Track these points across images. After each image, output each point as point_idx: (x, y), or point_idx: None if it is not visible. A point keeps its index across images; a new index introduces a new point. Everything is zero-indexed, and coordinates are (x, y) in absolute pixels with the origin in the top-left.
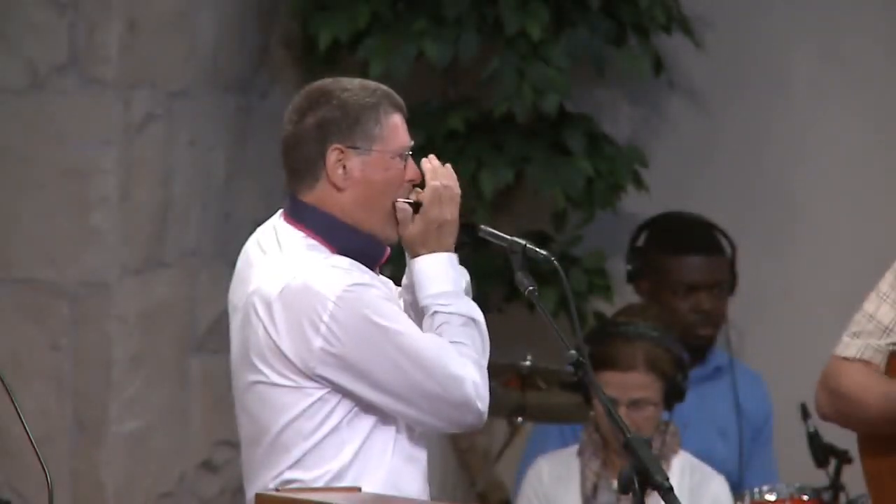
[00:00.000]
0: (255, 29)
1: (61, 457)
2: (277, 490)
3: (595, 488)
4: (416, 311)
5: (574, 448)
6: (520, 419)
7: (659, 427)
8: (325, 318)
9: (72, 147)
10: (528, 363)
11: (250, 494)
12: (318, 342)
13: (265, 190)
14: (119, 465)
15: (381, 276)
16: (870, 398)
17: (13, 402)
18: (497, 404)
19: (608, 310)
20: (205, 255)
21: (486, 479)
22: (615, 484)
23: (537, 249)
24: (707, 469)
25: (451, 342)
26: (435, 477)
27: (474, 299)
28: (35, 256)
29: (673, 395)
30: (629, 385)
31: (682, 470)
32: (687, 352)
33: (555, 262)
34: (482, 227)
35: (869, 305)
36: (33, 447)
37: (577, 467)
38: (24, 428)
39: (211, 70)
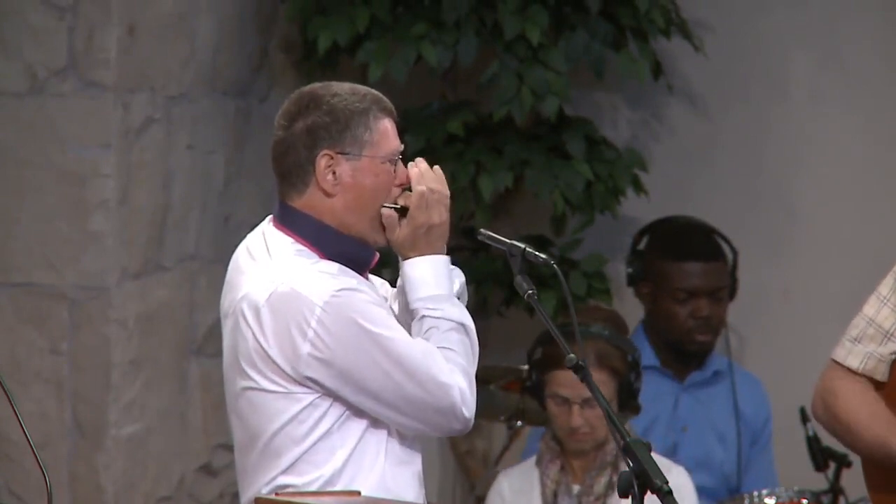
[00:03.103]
0: (254, 32)
1: (60, 460)
2: (276, 494)
3: (555, 494)
4: (411, 314)
5: (532, 460)
6: (519, 423)
7: None
8: (313, 323)
9: (71, 151)
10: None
11: (244, 500)
12: (305, 347)
13: (264, 193)
14: (118, 469)
15: (374, 278)
16: (863, 433)
17: (13, 405)
18: (496, 408)
19: None
20: (204, 258)
21: (486, 482)
22: (575, 489)
23: (537, 253)
24: (665, 461)
25: (438, 347)
26: (434, 480)
27: (474, 303)
28: (34, 260)
29: (626, 395)
30: (581, 383)
31: None
32: (686, 357)
33: (554, 265)
34: (482, 230)
35: (869, 308)
36: (33, 451)
37: (536, 477)
38: (24, 432)
39: (210, 74)
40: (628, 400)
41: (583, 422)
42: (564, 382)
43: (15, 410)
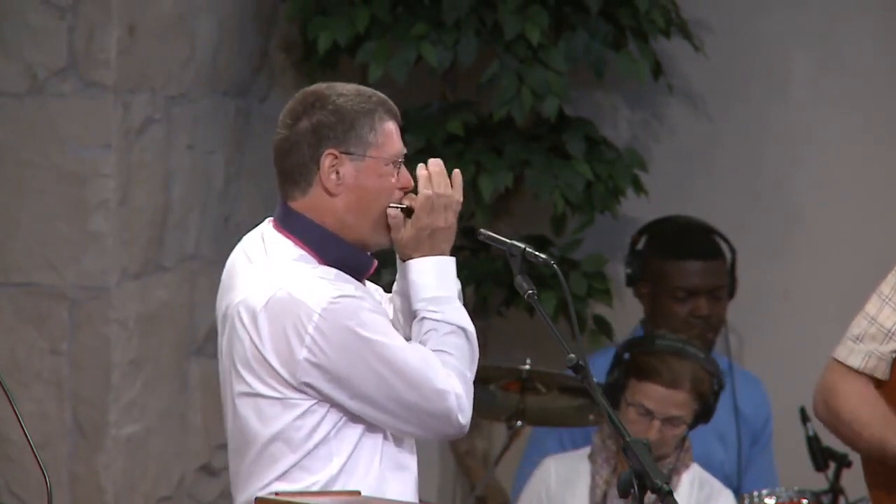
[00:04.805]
0: (255, 32)
1: (61, 461)
2: (277, 494)
3: (605, 496)
4: (407, 317)
5: (584, 451)
6: (519, 423)
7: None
8: (311, 329)
9: (71, 151)
10: (527, 367)
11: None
12: (302, 353)
13: (264, 194)
14: (118, 469)
15: (369, 285)
16: (863, 432)
17: (13, 406)
18: (496, 408)
19: (608, 313)
20: (204, 258)
21: (486, 483)
22: None
23: (537, 253)
24: (716, 483)
25: (435, 351)
26: (434, 480)
27: (474, 303)
28: (34, 260)
29: (702, 416)
30: (670, 401)
31: (691, 484)
32: None
33: (554, 265)
34: (482, 230)
35: (870, 307)
36: (33, 451)
37: (586, 471)
38: (24, 432)
39: (210, 74)
40: (701, 420)
41: (660, 437)
42: (654, 396)
43: (15, 410)
